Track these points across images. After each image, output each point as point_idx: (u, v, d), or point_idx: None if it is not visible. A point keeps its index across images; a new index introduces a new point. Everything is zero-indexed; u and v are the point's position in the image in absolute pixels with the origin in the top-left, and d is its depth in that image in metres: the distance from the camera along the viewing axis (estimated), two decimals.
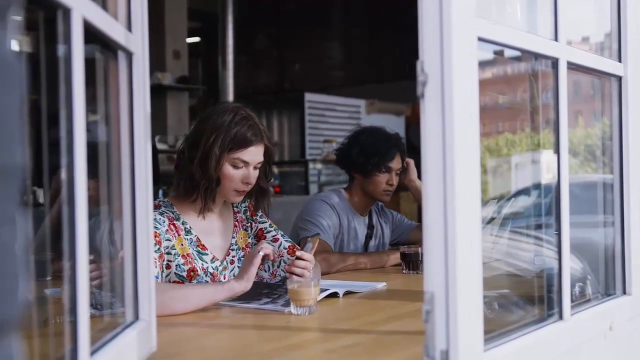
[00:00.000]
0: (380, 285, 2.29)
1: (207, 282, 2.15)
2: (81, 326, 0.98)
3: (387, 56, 8.84)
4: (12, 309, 0.56)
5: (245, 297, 2.01)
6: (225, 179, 2.14)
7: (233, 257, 2.28)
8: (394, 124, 5.20)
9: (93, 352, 1.05)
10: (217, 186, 2.15)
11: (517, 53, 1.52)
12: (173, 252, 2.10)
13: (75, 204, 0.97)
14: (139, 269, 1.33)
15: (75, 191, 0.97)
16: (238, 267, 2.26)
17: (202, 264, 2.16)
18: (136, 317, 1.33)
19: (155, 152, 5.28)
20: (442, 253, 1.13)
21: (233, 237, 2.29)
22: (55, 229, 1.25)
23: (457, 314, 1.12)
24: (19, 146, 0.57)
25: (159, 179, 4.92)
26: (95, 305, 1.27)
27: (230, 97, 8.55)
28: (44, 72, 1.02)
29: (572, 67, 1.52)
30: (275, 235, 2.34)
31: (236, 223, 2.32)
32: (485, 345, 1.20)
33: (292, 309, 1.82)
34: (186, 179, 2.15)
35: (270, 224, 2.36)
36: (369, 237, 3.06)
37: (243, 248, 2.31)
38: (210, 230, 2.24)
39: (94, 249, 1.12)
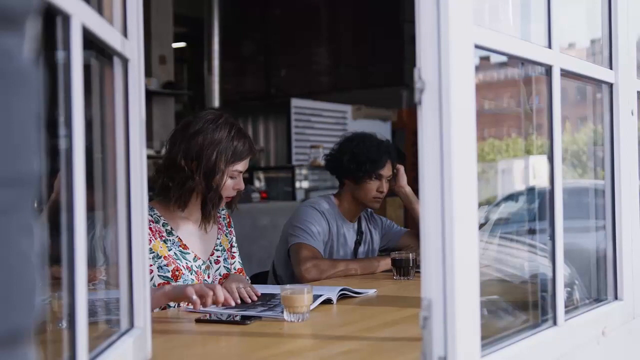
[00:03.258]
0: (371, 292, 2.29)
1: (193, 280, 2.20)
2: (79, 334, 0.97)
3: (373, 62, 8.87)
4: (29, 317, 0.56)
5: (240, 306, 2.00)
6: (223, 190, 2.22)
7: (218, 257, 2.34)
8: (380, 130, 5.20)
9: None
10: (221, 199, 2.22)
11: (503, 59, 1.53)
12: (151, 255, 2.13)
13: (74, 211, 0.96)
14: (134, 277, 1.32)
15: (74, 197, 0.96)
16: (224, 266, 2.35)
17: (186, 263, 2.21)
18: (131, 324, 1.32)
19: None
20: (440, 260, 1.13)
21: (218, 238, 2.36)
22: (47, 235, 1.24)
23: (454, 321, 1.12)
24: (35, 155, 0.57)
25: (147, 185, 4.91)
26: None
27: (216, 102, 8.54)
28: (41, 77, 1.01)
29: (565, 74, 1.54)
30: (235, 253, 2.45)
31: (220, 226, 2.40)
32: (482, 351, 1.21)
33: (285, 315, 1.82)
34: (186, 192, 2.20)
35: (235, 240, 2.47)
36: (358, 243, 3.06)
37: (227, 250, 2.39)
38: (194, 232, 2.29)
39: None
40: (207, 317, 1.87)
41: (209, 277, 2.27)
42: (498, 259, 1.89)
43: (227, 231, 2.42)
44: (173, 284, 2.13)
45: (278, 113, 7.94)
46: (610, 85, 1.77)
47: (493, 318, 1.52)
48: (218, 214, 2.41)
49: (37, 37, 0.62)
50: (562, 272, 1.50)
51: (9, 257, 0.53)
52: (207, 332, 1.76)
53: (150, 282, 2.11)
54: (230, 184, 2.23)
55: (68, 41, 0.96)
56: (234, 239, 2.46)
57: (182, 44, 10.16)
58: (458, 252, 1.12)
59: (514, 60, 1.56)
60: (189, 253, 2.23)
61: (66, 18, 0.95)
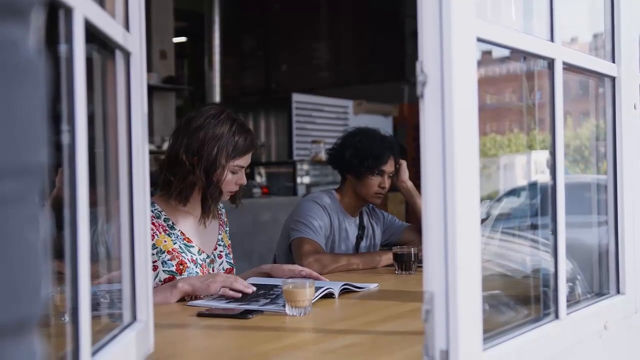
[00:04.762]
0: (373, 286, 2.29)
1: (198, 273, 2.21)
2: (82, 328, 0.97)
3: (374, 57, 8.86)
4: (36, 307, 0.56)
5: (243, 299, 2.00)
6: (224, 184, 2.23)
7: (220, 252, 2.37)
8: (381, 125, 5.19)
9: (93, 353, 1.05)
10: (221, 194, 2.23)
11: (504, 53, 1.53)
12: (154, 250, 2.14)
13: (77, 205, 0.96)
14: (136, 270, 1.32)
15: (77, 192, 0.96)
16: (226, 261, 2.37)
17: (191, 256, 2.22)
18: (134, 318, 1.32)
19: None
20: (442, 253, 1.13)
21: (219, 234, 2.39)
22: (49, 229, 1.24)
23: (457, 314, 1.12)
24: (42, 146, 0.57)
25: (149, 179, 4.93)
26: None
27: (217, 98, 8.53)
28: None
29: (567, 67, 1.53)
30: (229, 252, 2.44)
31: (221, 222, 2.42)
32: (484, 345, 1.21)
33: (287, 309, 1.82)
34: (188, 187, 2.21)
35: (228, 238, 2.49)
36: (360, 238, 3.06)
37: (227, 246, 2.41)
38: (195, 226, 2.30)
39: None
40: (209, 311, 1.87)
41: (213, 271, 2.29)
42: (500, 254, 1.89)
43: (226, 229, 2.45)
44: (179, 277, 2.13)
45: (279, 108, 7.94)
46: (613, 79, 1.77)
47: (495, 312, 1.52)
48: (219, 212, 2.42)
49: (41, 29, 0.62)
50: (565, 266, 1.49)
51: (16, 247, 0.53)
52: (209, 326, 1.76)
53: (156, 279, 2.12)
54: (233, 179, 2.24)
55: (70, 34, 0.95)
56: (228, 237, 2.48)
57: (182, 39, 10.15)
58: (460, 245, 1.12)
59: (515, 54, 1.56)
60: (193, 246, 2.24)
61: (68, 11, 0.95)
